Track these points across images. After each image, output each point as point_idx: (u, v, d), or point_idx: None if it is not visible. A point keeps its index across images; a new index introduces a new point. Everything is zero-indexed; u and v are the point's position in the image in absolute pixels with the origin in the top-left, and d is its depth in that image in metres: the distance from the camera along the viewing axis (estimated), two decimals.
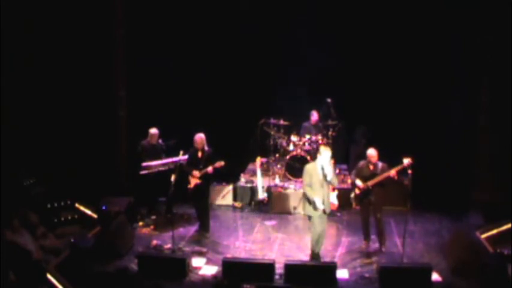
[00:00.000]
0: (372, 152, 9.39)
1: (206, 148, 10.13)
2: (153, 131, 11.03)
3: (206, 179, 10.15)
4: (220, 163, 9.90)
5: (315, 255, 9.09)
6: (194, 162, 10.10)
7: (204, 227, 10.29)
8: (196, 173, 10.02)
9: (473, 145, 11.82)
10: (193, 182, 10.08)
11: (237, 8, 12.96)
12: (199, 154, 10.12)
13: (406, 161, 9.06)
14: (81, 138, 11.88)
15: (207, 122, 12.51)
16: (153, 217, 10.94)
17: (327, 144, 9.05)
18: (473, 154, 11.79)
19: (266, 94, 13.25)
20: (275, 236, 10.45)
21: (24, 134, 11.55)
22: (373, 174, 9.31)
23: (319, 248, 9.14)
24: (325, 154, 8.76)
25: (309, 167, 8.95)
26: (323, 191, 8.81)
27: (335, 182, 9.01)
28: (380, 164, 9.38)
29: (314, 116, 12.63)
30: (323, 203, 8.77)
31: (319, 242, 9.08)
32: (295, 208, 11.50)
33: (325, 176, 8.75)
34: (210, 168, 9.91)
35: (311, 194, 8.77)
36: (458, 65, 12.43)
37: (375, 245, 9.74)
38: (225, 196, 11.99)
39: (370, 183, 9.26)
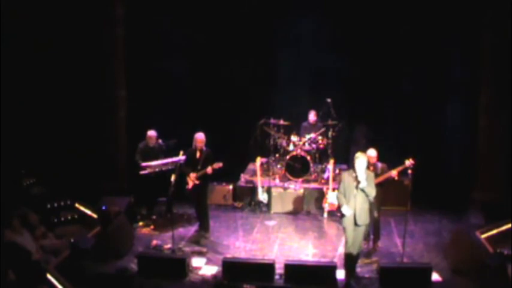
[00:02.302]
0: (371, 153, 9.36)
1: (204, 148, 10.05)
2: (151, 133, 11.00)
3: (205, 179, 10.10)
4: (219, 164, 9.80)
5: (349, 266, 8.59)
6: (192, 163, 10.02)
7: (203, 227, 10.27)
8: (193, 175, 9.95)
9: (473, 145, 11.82)
10: (191, 183, 10.02)
11: (237, 8, 12.96)
12: (198, 154, 10.03)
13: (408, 162, 9.06)
14: (81, 138, 11.88)
15: (207, 122, 12.52)
16: (153, 217, 10.93)
17: (364, 152, 8.54)
18: (473, 154, 11.79)
19: (266, 94, 13.26)
20: (275, 236, 10.45)
21: (24, 134, 11.56)
22: (374, 175, 9.26)
23: (356, 251, 8.56)
24: (359, 161, 8.22)
25: (343, 174, 8.59)
26: (355, 201, 8.27)
27: (370, 192, 8.29)
28: (379, 165, 9.37)
29: (312, 115, 12.63)
30: (354, 214, 8.27)
31: (354, 250, 8.54)
32: (295, 208, 11.50)
33: (357, 184, 8.25)
34: (209, 169, 9.83)
35: (341, 202, 8.39)
36: (458, 65, 12.46)
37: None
38: (225, 196, 11.97)
39: None
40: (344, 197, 8.40)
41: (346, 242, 8.50)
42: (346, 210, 8.31)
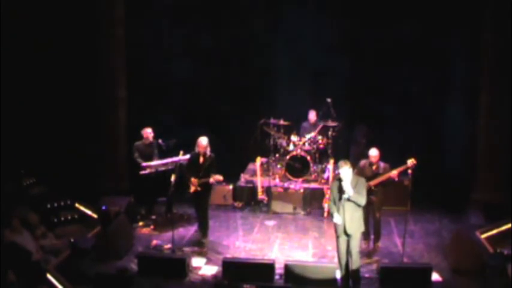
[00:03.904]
0: (373, 152, 9.33)
1: (208, 153, 9.77)
2: (147, 130, 10.95)
3: (207, 186, 9.82)
4: (219, 178, 9.54)
5: (343, 278, 8.34)
6: (195, 168, 9.71)
7: (202, 234, 10.03)
8: (194, 181, 9.68)
9: (473, 145, 11.82)
10: (193, 188, 9.78)
11: (237, 8, 12.96)
12: (201, 159, 9.71)
13: (410, 161, 9.03)
14: (81, 138, 11.87)
15: (207, 122, 12.55)
16: (153, 217, 10.93)
17: (347, 161, 8.05)
18: (473, 154, 11.79)
19: (266, 94, 13.26)
20: (275, 236, 10.45)
21: (24, 134, 11.55)
22: (376, 175, 9.27)
23: (353, 272, 8.25)
24: (341, 170, 7.91)
25: (332, 183, 8.35)
26: (344, 211, 7.95)
27: (358, 200, 7.93)
28: (382, 164, 9.34)
29: (312, 115, 12.63)
30: (344, 224, 7.97)
31: (344, 264, 8.25)
32: (295, 208, 11.50)
33: (342, 194, 7.94)
34: (212, 180, 9.53)
35: (332, 210, 8.13)
36: (458, 65, 12.46)
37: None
38: (225, 196, 11.97)
39: (372, 183, 9.19)
40: (334, 205, 8.12)
41: (338, 252, 8.27)
42: (337, 218, 8.01)
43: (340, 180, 7.98)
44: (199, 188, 9.73)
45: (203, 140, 9.67)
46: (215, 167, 9.68)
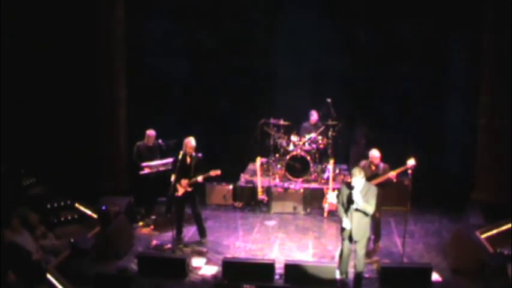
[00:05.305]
0: (375, 153, 9.30)
1: (194, 153, 9.72)
2: (150, 132, 10.97)
3: (196, 186, 9.84)
4: (217, 172, 9.57)
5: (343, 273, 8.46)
6: (184, 169, 9.65)
7: (200, 233, 10.07)
8: (185, 182, 9.67)
9: (473, 145, 11.82)
10: (182, 190, 9.72)
11: (237, 8, 12.96)
12: (188, 160, 9.69)
13: (410, 162, 9.02)
14: (81, 138, 11.87)
15: (207, 122, 12.55)
16: (153, 217, 10.93)
17: (360, 168, 8.10)
18: (473, 154, 11.79)
19: (266, 94, 13.26)
20: (275, 236, 10.45)
21: (24, 134, 11.56)
22: (375, 175, 9.26)
23: (345, 269, 8.42)
24: (355, 179, 7.85)
25: (342, 186, 8.25)
26: (351, 217, 7.97)
27: (366, 209, 7.92)
28: (382, 165, 9.32)
29: (314, 116, 12.62)
30: (351, 229, 8.00)
31: (346, 266, 8.39)
32: (295, 208, 11.50)
33: (351, 202, 7.91)
34: (200, 178, 9.55)
35: (341, 215, 8.11)
36: (458, 65, 12.47)
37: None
38: (225, 196, 11.97)
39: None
40: (343, 207, 8.12)
41: (341, 255, 8.34)
42: (346, 223, 8.03)
43: (351, 187, 7.96)
44: (189, 189, 9.73)
45: (192, 141, 9.68)
46: (204, 167, 9.67)
